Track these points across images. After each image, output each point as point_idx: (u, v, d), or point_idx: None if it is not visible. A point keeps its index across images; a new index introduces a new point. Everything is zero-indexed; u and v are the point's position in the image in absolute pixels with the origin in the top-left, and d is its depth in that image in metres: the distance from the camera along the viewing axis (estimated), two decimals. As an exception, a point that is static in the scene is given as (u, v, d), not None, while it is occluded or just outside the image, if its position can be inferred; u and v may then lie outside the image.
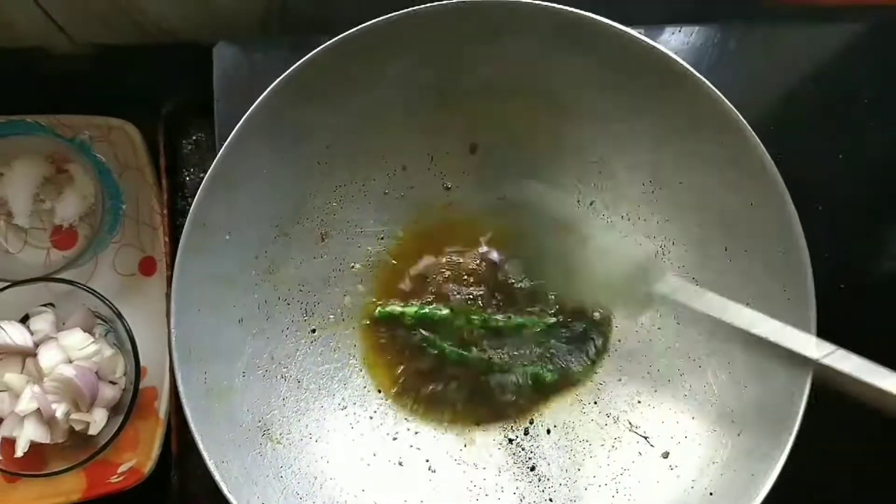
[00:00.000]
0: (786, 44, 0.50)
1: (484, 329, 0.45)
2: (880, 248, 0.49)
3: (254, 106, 0.39)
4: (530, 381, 0.45)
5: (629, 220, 0.45)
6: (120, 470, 0.50)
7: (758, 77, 0.49)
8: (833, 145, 0.48)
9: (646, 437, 0.43)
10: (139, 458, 0.50)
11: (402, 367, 0.46)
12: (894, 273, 0.48)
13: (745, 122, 0.39)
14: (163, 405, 0.50)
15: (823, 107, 0.49)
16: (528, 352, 0.46)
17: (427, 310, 0.45)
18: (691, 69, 0.38)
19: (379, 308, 0.46)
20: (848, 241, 0.48)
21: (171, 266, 0.49)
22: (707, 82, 0.39)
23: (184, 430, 0.48)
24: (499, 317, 0.46)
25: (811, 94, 0.49)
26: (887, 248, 0.49)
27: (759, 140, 0.39)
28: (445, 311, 0.46)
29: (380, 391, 0.46)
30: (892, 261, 0.49)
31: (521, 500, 0.43)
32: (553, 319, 0.46)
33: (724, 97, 0.39)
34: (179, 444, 0.48)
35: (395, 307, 0.46)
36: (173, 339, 0.38)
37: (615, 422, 0.44)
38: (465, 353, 0.45)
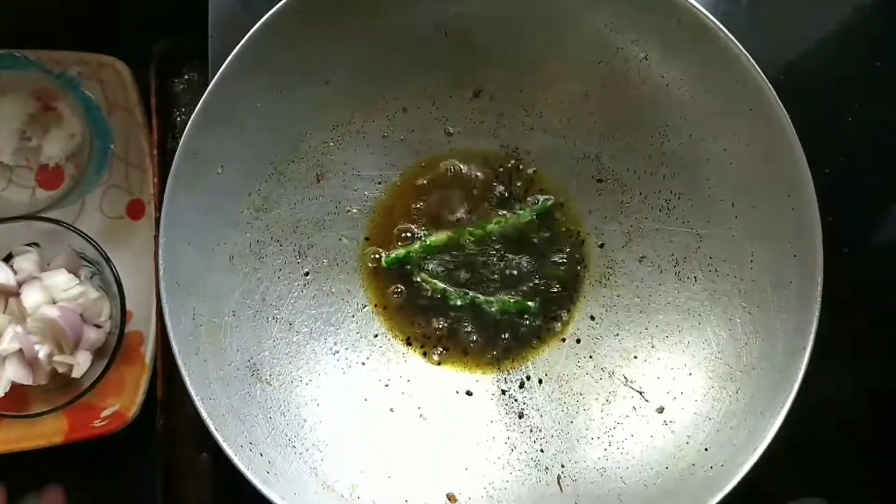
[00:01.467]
0: (800, 5, 0.49)
1: (484, 238, 0.45)
2: (885, 213, 0.48)
3: (248, 36, 0.38)
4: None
5: (635, 173, 0.44)
6: (103, 414, 0.49)
7: (770, 38, 0.48)
8: (843, 109, 0.47)
9: (641, 392, 0.42)
10: (123, 402, 0.49)
11: (397, 315, 0.45)
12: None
13: (761, 72, 0.38)
14: (149, 350, 0.49)
15: (834, 70, 0.48)
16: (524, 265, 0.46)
17: (430, 241, 0.45)
18: (707, 14, 0.37)
19: (385, 256, 0.45)
20: (853, 205, 0.47)
21: (160, 208, 0.48)
22: (725, 31, 0.38)
23: (170, 376, 0.47)
24: (497, 222, 0.45)
25: (822, 57, 0.48)
26: (892, 213, 0.48)
27: (774, 91, 0.38)
28: (446, 235, 0.45)
29: (376, 336, 0.45)
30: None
31: (511, 450, 0.42)
32: (551, 201, 0.45)
33: (742, 47, 0.38)
34: (165, 390, 0.47)
35: (399, 251, 0.45)
36: (161, 270, 0.36)
37: (610, 376, 0.43)
38: (466, 292, 0.45)
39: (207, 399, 0.36)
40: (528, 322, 0.45)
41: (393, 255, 0.45)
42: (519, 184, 0.46)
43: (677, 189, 0.43)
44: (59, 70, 0.51)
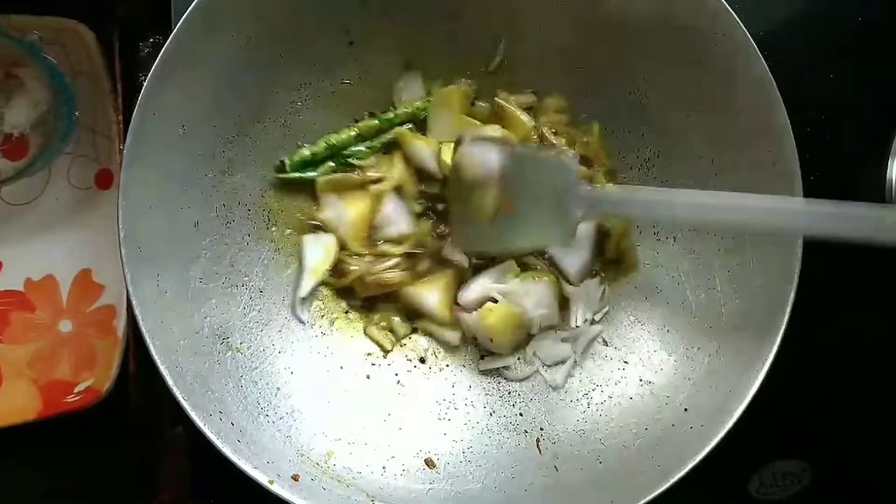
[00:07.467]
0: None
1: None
2: (864, 172, 0.48)
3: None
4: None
5: (613, 131, 0.43)
6: (77, 389, 0.48)
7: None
8: (826, 67, 0.47)
9: (619, 352, 0.42)
10: (97, 377, 0.48)
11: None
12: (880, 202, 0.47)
13: (744, 27, 0.37)
14: (121, 324, 0.48)
15: (818, 28, 0.47)
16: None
17: (333, 138, 0.42)
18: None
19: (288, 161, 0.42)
20: (833, 164, 0.46)
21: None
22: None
23: (142, 349, 0.46)
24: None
25: (806, 15, 0.47)
26: (871, 173, 0.48)
27: (757, 48, 0.37)
28: (353, 131, 0.43)
29: (351, 305, 0.44)
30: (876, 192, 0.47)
31: (490, 415, 0.42)
32: None
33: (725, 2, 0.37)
34: (137, 364, 0.46)
35: (304, 150, 0.42)
36: (122, 235, 0.35)
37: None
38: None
39: (174, 367, 0.35)
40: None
41: (296, 157, 0.42)
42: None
43: (656, 147, 0.42)
44: (19, 35, 0.49)
